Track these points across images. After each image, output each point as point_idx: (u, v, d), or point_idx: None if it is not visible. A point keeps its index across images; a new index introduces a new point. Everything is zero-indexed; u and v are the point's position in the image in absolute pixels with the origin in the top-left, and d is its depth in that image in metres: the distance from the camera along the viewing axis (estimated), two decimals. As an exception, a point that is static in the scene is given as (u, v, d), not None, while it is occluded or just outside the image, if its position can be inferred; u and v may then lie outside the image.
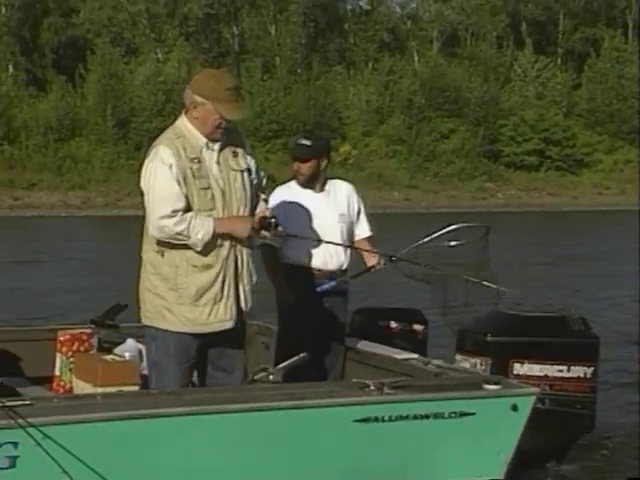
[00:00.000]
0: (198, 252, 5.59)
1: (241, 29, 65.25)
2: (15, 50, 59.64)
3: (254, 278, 5.82)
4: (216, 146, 5.69)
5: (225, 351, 5.81)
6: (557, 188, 59.56)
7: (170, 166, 5.54)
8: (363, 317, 7.53)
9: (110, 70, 57.14)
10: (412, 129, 59.98)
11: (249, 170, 5.79)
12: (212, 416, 5.33)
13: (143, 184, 5.67)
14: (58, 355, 6.62)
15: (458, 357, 7.19)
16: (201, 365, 5.83)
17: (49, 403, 5.36)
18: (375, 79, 62.72)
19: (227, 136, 5.71)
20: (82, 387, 6.14)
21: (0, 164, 51.51)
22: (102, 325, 6.92)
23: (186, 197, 5.56)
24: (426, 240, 6.94)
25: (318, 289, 6.77)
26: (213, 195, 5.62)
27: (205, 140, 5.66)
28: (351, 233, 6.97)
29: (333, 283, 6.78)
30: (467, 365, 7.02)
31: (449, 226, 7.02)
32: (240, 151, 5.78)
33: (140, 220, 5.78)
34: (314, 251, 6.77)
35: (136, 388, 5.91)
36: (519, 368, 6.95)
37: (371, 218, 7.12)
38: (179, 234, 5.52)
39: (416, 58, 66.37)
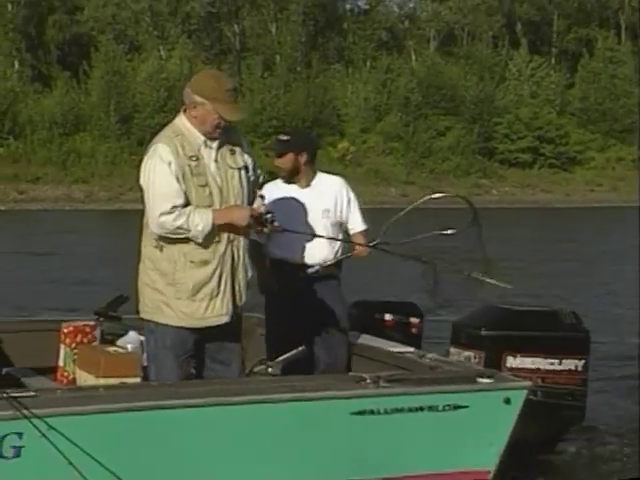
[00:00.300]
0: (196, 248, 5.61)
1: (242, 27, 65.31)
2: (21, 47, 59.77)
3: (249, 273, 5.83)
4: (214, 144, 5.69)
5: (223, 344, 5.82)
6: (550, 185, 59.66)
7: (169, 163, 5.54)
8: (359, 310, 7.46)
9: (113, 67, 57.22)
10: (409, 126, 60.09)
11: (246, 168, 5.79)
12: (212, 408, 5.35)
13: (142, 181, 5.67)
14: (62, 346, 6.59)
15: (453, 350, 7.22)
16: (199, 358, 5.82)
17: (53, 394, 5.35)
18: (373, 77, 62.80)
19: (225, 134, 5.71)
20: (85, 378, 6.12)
21: (5, 158, 51.77)
22: (105, 317, 6.88)
23: (185, 194, 5.57)
24: (401, 214, 6.80)
25: (301, 275, 6.67)
26: (211, 192, 5.63)
27: (203, 138, 5.67)
28: (337, 228, 6.81)
29: (317, 268, 6.68)
30: (461, 358, 7.04)
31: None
32: (237, 149, 5.79)
33: (142, 214, 5.79)
34: (297, 246, 6.66)
35: (138, 379, 5.91)
36: (512, 361, 7.00)
37: (369, 213, 6.99)
38: (179, 228, 5.54)
39: (413, 57, 66.43)
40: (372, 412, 5.65)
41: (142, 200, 5.70)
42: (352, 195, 6.90)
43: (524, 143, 61.41)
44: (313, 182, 6.83)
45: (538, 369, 7.04)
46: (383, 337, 7.01)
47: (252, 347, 6.87)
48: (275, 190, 6.70)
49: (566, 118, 64.56)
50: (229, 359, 5.86)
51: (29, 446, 4.99)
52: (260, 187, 6.08)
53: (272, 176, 6.79)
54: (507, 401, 5.94)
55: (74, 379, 6.39)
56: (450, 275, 6.85)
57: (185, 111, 5.72)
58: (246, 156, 5.83)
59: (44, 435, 4.95)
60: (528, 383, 6.23)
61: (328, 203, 6.76)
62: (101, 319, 6.85)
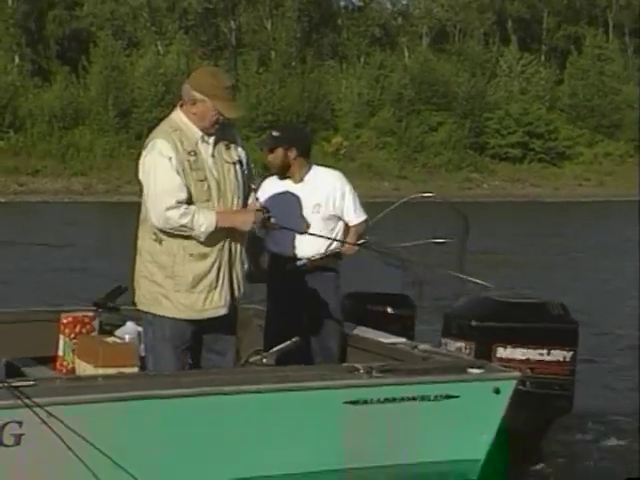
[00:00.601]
0: (195, 241, 5.64)
1: (238, 23, 65.45)
2: (21, 41, 59.77)
3: (246, 266, 5.90)
4: (211, 139, 5.72)
5: (219, 335, 5.87)
6: (540, 179, 59.79)
7: (170, 158, 5.56)
8: (352, 301, 7.49)
9: (112, 62, 57.30)
10: (402, 121, 60.24)
11: (241, 162, 5.83)
12: (208, 397, 5.43)
13: (142, 176, 5.67)
14: (61, 337, 6.58)
15: (444, 341, 7.26)
16: (196, 348, 5.87)
17: (53, 384, 5.39)
18: (366, 73, 62.84)
19: (221, 130, 5.75)
20: (84, 368, 6.14)
21: (6, 151, 51.79)
22: (104, 307, 6.88)
23: (187, 188, 5.61)
24: (381, 215, 7.06)
25: (292, 268, 6.71)
26: (209, 186, 5.66)
27: (201, 134, 5.70)
28: (332, 222, 6.79)
29: (304, 261, 6.71)
30: (452, 349, 7.06)
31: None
32: (232, 144, 5.83)
33: (139, 207, 5.81)
34: (287, 241, 6.68)
35: (135, 369, 5.93)
36: (502, 352, 7.01)
37: (362, 207, 6.96)
38: (183, 226, 5.57)
39: (406, 53, 66.44)
40: (365, 402, 5.73)
41: (140, 193, 5.73)
42: (347, 188, 6.86)
43: (514, 138, 61.50)
44: (307, 177, 6.82)
45: (527, 360, 7.06)
46: (376, 328, 7.05)
47: (248, 338, 6.96)
48: (270, 185, 6.81)
49: (555, 114, 64.65)
50: (225, 349, 5.93)
51: (29, 434, 5.03)
52: (254, 181, 6.14)
53: (266, 170, 6.92)
54: (497, 391, 6.03)
55: (73, 369, 6.42)
56: (434, 275, 7.11)
57: (182, 106, 5.75)
58: (240, 150, 5.88)
59: (44, 423, 4.99)
60: (517, 373, 6.36)
61: (320, 198, 6.74)
62: (100, 310, 6.87)
